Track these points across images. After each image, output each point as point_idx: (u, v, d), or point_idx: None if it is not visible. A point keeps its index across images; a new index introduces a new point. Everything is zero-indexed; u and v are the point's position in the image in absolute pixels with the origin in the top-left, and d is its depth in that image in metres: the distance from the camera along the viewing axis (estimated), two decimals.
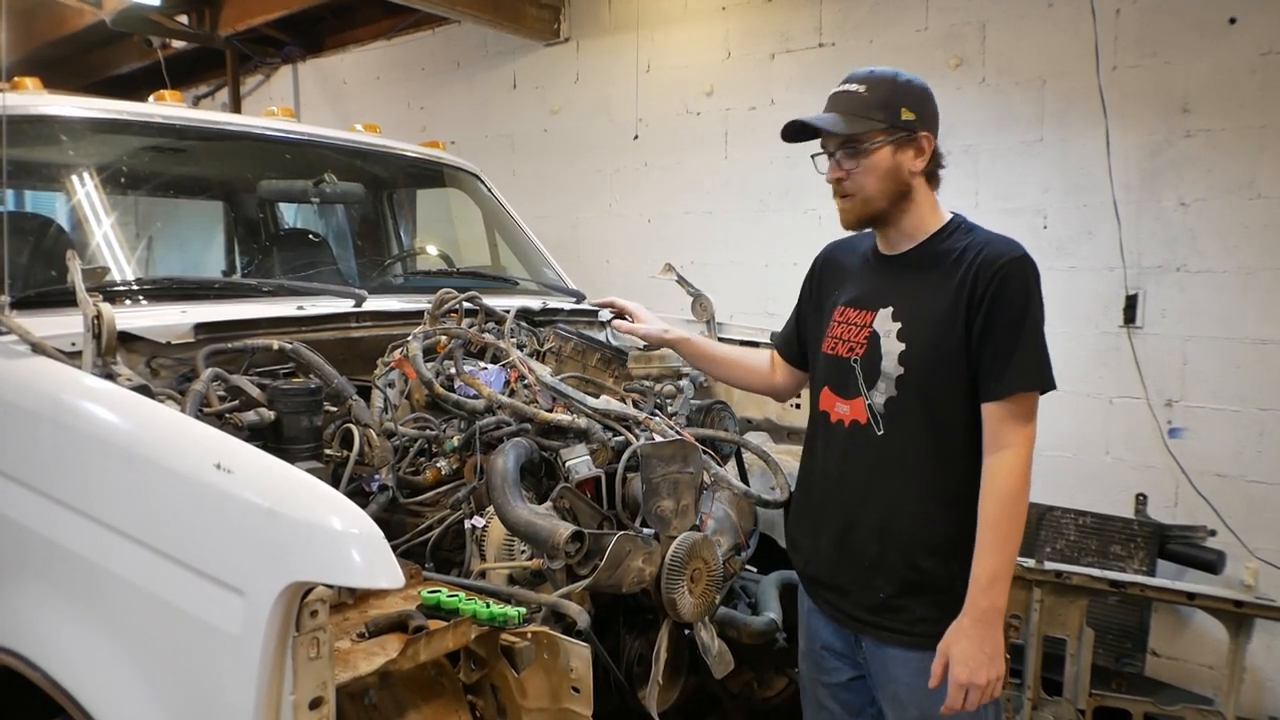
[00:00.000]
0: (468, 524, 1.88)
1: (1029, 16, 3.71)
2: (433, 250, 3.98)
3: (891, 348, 1.70)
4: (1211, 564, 2.25)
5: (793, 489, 2.12)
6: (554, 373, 2.22)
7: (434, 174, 3.85)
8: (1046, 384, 1.65)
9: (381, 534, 1.08)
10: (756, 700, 2.53)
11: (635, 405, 2.22)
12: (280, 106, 3.14)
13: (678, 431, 2.10)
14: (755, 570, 2.59)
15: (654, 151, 4.83)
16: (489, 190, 3.78)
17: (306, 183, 3.08)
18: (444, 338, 2.17)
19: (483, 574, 1.81)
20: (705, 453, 2.17)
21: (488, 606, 1.48)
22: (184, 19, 6.64)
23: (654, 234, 4.83)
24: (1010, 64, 3.76)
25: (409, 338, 2.10)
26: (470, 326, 2.28)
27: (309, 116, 7.08)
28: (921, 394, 1.68)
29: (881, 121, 1.66)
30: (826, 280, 1.94)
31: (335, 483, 1.94)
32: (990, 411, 1.64)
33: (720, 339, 3.18)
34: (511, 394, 2.08)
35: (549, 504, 1.89)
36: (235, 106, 7.04)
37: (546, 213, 5.29)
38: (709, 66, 4.58)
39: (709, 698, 2.45)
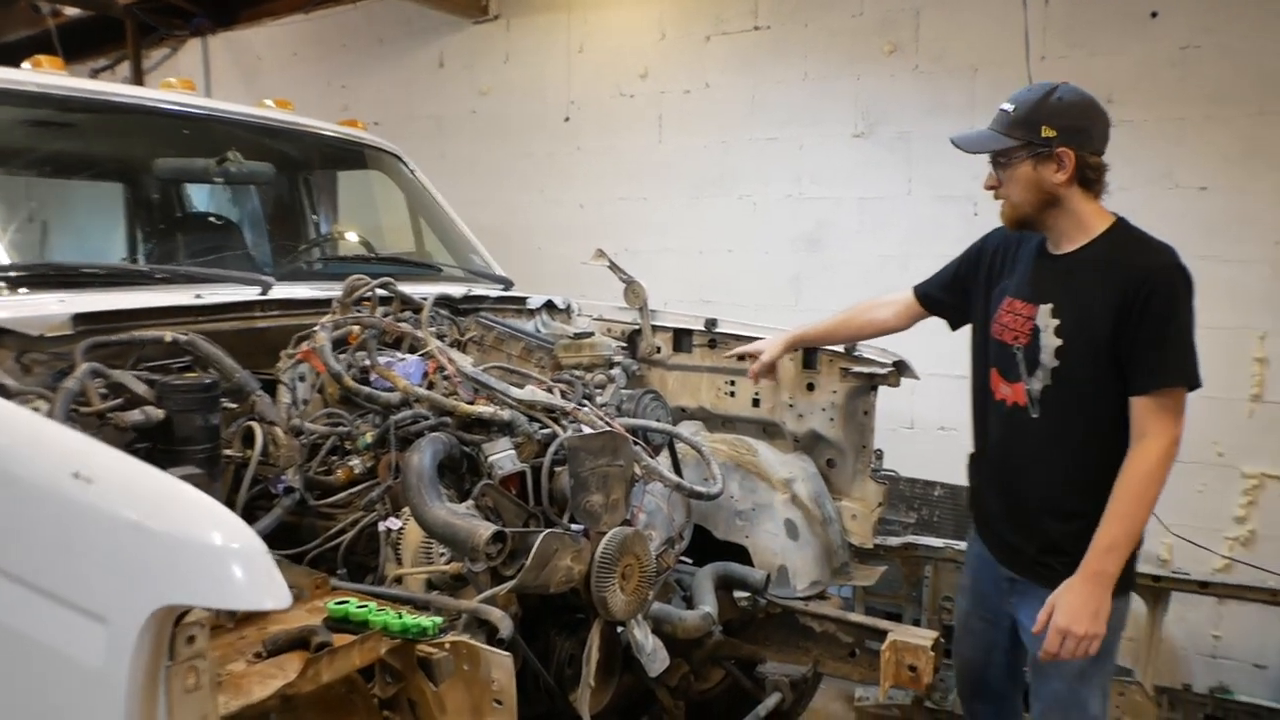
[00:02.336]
0: (382, 526, 1.76)
1: (962, 5, 3.72)
2: (352, 236, 3.79)
3: (1049, 341, 1.90)
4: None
5: (719, 484, 2.06)
6: (476, 363, 2.11)
7: (354, 155, 3.66)
8: (1193, 381, 1.82)
9: (265, 549, 0.96)
10: (694, 693, 2.47)
11: (563, 396, 2.11)
12: (179, 78, 2.91)
13: (607, 422, 2.01)
14: (691, 562, 2.52)
15: (586, 135, 4.71)
16: (412, 172, 3.62)
17: (209, 161, 2.88)
18: (356, 327, 2.04)
19: (399, 580, 1.69)
20: (636, 444, 2.08)
21: (400, 617, 1.37)
22: None
23: (586, 220, 4.72)
24: (943, 52, 3.75)
25: (316, 327, 1.96)
26: (385, 315, 2.14)
27: (221, 94, 6.74)
28: (1073, 386, 1.88)
29: (1019, 140, 1.87)
30: (998, 264, 2.13)
31: (236, 485, 1.81)
32: (1138, 404, 1.82)
33: (655, 327, 3.12)
34: (430, 386, 1.96)
35: (470, 502, 1.78)
36: (137, 82, 6.64)
37: (476, 198, 5.12)
38: (643, 48, 4.48)
39: (645, 694, 2.37)
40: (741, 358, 2.65)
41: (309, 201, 3.88)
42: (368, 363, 2.02)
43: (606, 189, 4.65)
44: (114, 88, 2.75)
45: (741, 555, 2.52)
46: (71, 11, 6.54)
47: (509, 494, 1.84)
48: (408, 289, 2.65)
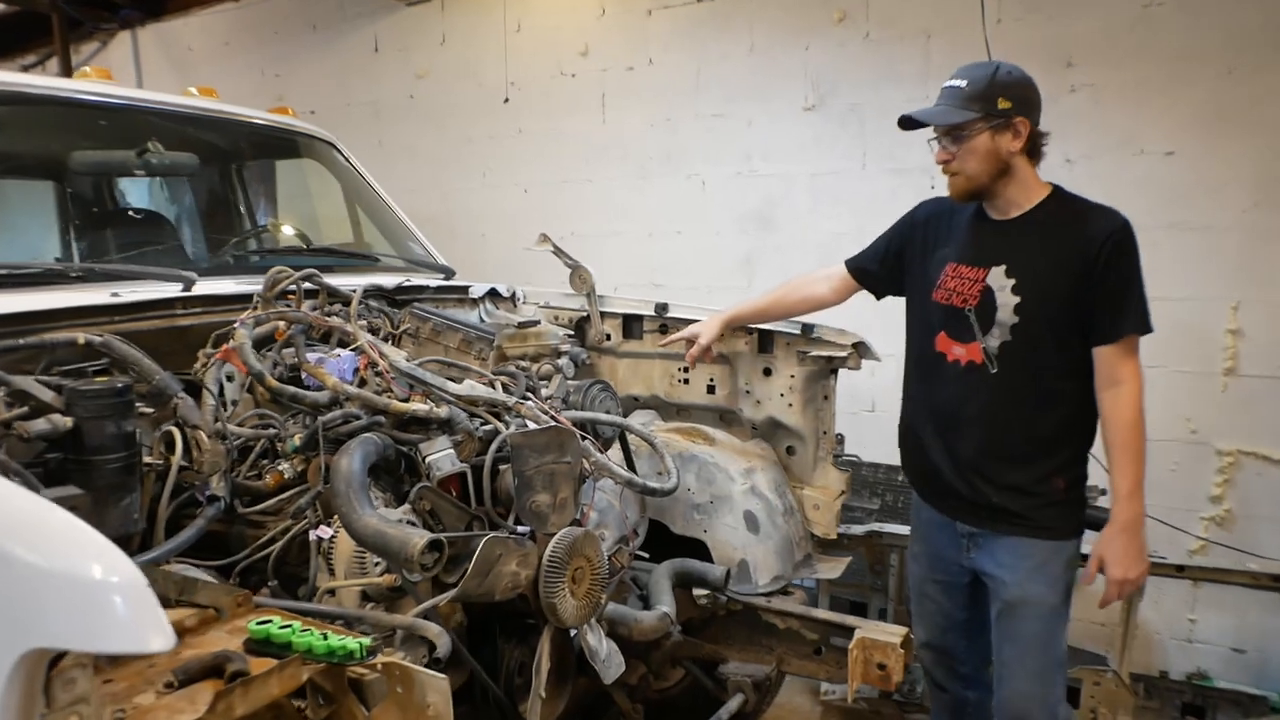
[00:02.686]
0: (312, 535, 1.64)
1: None
2: (288, 229, 3.62)
3: (1006, 300, 2.00)
4: (1100, 523, 2.27)
5: (674, 478, 1.96)
6: (411, 357, 1.98)
7: (288, 144, 3.49)
8: (1148, 327, 1.95)
9: (147, 582, 0.84)
10: (653, 695, 2.38)
11: (505, 389, 2.00)
12: (94, 67, 2.72)
13: (553, 417, 1.90)
14: (647, 558, 2.43)
15: (528, 117, 4.57)
16: (346, 160, 3.46)
17: (128, 154, 2.69)
18: (281, 323, 1.90)
19: (331, 593, 1.57)
20: (584, 439, 1.98)
21: (326, 638, 1.25)
22: None
23: (531, 205, 4.59)
24: (894, 18, 3.67)
25: (236, 324, 1.82)
26: (313, 309, 2.00)
27: (152, 87, 6.45)
28: (1033, 339, 1.99)
29: (978, 111, 1.95)
30: (931, 234, 2.22)
31: (158, 495, 1.68)
32: (1104, 354, 1.95)
33: (604, 313, 3.01)
34: (362, 384, 1.83)
35: (407, 506, 1.67)
36: (65, 68, 6.32)
37: (416, 185, 4.96)
38: (583, 25, 4.35)
39: (601, 696, 2.28)
40: (690, 344, 2.60)
41: (242, 193, 3.69)
42: (298, 360, 1.89)
43: (550, 171, 4.51)
44: (27, 79, 2.54)
45: (701, 550, 2.44)
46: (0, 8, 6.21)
47: (448, 496, 1.73)
48: (343, 281, 2.52)
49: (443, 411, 1.78)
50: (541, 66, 4.48)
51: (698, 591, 2.33)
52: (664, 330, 2.92)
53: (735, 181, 4.01)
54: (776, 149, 3.89)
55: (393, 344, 2.04)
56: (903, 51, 3.65)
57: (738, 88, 3.97)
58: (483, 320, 3.08)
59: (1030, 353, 2.01)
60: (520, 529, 1.76)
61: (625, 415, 3.09)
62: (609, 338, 3.05)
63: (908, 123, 2.05)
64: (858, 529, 3.13)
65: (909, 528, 3.29)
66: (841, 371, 2.65)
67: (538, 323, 2.75)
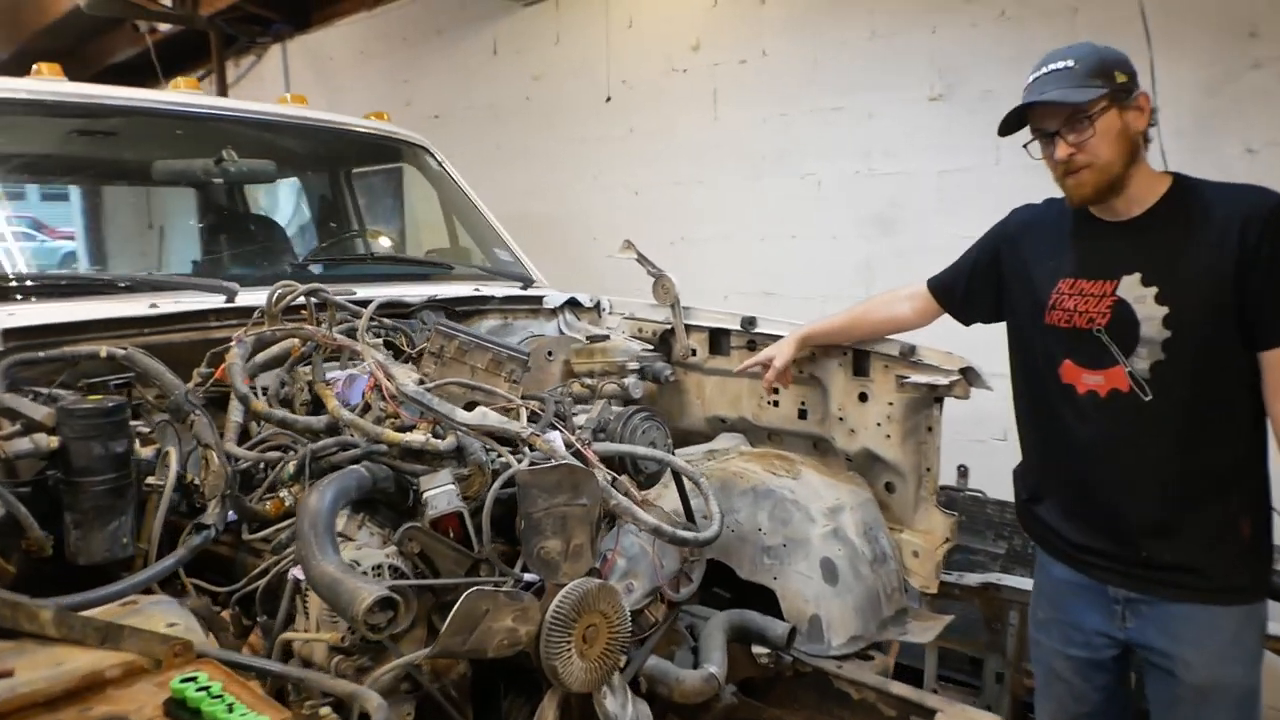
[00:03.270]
0: (291, 575, 1.48)
1: None
2: (385, 240, 3.59)
3: (1151, 312, 1.70)
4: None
5: (716, 526, 1.68)
6: (431, 378, 1.81)
7: (386, 150, 3.45)
8: None
9: None
10: None
11: (533, 416, 1.79)
12: (185, 79, 2.74)
13: (577, 450, 1.68)
14: (726, 595, 2.17)
15: (638, 115, 4.37)
16: (440, 164, 3.37)
17: (206, 162, 2.70)
18: (295, 340, 1.77)
19: (288, 645, 1.41)
20: (617, 476, 1.74)
21: (232, 709, 1.08)
22: (165, 0, 6.35)
23: (641, 207, 4.38)
24: None
25: (232, 341, 1.70)
26: (321, 326, 1.86)
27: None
28: (1193, 354, 1.68)
29: (1102, 87, 1.67)
30: (1030, 247, 1.92)
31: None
32: (1274, 359, 1.64)
33: (689, 326, 2.76)
34: (366, 408, 1.67)
35: (392, 549, 1.49)
36: (221, 91, 6.73)
37: (532, 188, 4.88)
38: (694, 17, 4.09)
39: None
40: (766, 369, 2.36)
41: (350, 199, 3.70)
42: (314, 380, 1.75)
43: (661, 172, 4.29)
44: (113, 91, 2.58)
45: (773, 599, 2.14)
46: (165, 27, 6.67)
47: (442, 538, 1.53)
48: (408, 291, 2.40)
49: (445, 442, 1.59)
50: (652, 63, 4.27)
51: (759, 649, 2.03)
52: (752, 347, 2.64)
53: (854, 181, 3.64)
54: (899, 144, 3.49)
55: (412, 364, 1.87)
56: (1044, 30, 3.15)
57: (857, 78, 3.60)
58: (561, 332, 2.90)
59: (1192, 370, 1.69)
60: (529, 577, 1.55)
61: (710, 438, 2.83)
62: (694, 353, 2.80)
63: (1007, 126, 1.79)
64: (973, 578, 2.72)
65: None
66: (950, 400, 2.28)
67: (607, 337, 2.53)
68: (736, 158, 3.99)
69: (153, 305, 2.02)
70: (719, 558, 2.19)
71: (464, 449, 1.63)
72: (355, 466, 1.54)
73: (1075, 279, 1.81)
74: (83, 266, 4.53)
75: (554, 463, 1.57)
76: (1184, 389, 1.70)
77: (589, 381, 2.45)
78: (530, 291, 2.77)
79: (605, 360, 2.45)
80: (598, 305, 3.01)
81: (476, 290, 2.59)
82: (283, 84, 6.70)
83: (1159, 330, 1.69)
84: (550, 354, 2.56)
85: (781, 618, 2.08)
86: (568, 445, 1.73)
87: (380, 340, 1.82)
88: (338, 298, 1.84)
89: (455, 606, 1.36)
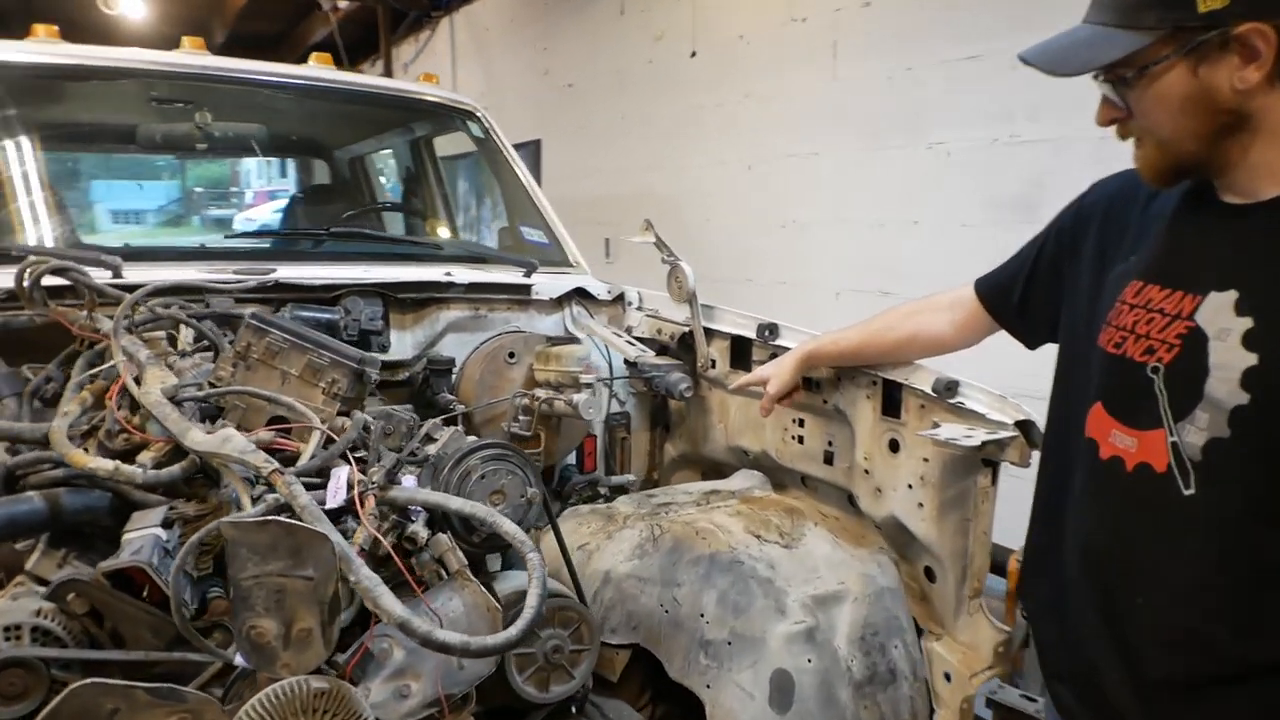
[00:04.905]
0: None
1: None
2: (414, 219, 3.27)
3: (1230, 358, 1.05)
4: None
5: (518, 629, 1.15)
6: (228, 384, 1.41)
7: (441, 116, 3.12)
8: None
9: None
10: None
11: (359, 444, 1.34)
12: (190, 39, 2.54)
13: (363, 494, 1.22)
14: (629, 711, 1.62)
15: (756, 76, 3.74)
16: (490, 131, 2.98)
17: (189, 125, 2.48)
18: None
19: None
20: (426, 538, 1.27)
21: None
22: None
23: (754, 183, 3.76)
24: None
25: None
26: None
27: (462, 67, 6.70)
28: (1275, 442, 1.03)
29: (1158, 26, 1.06)
30: (1112, 231, 1.29)
31: None
32: None
33: (708, 330, 2.19)
34: (94, 422, 1.31)
35: (49, 606, 1.13)
36: (387, 64, 6.81)
37: (651, 161, 4.40)
38: None
39: None
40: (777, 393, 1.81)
41: (433, 170, 3.44)
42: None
43: (775, 143, 3.64)
44: (110, 52, 2.42)
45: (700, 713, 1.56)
46: (344, 5, 6.86)
47: (121, 596, 1.15)
48: (345, 272, 2.04)
49: (159, 471, 1.20)
50: (773, 12, 3.61)
51: None
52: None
53: (990, 152, 2.82)
54: (1049, 103, 2.61)
55: (196, 361, 1.47)
56: None
57: (999, 17, 2.75)
58: (565, 330, 2.42)
59: (1267, 468, 1.03)
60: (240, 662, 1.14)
61: (718, 475, 2.25)
62: (714, 364, 2.22)
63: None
64: (1035, 705, 1.96)
65: None
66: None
67: (575, 341, 2.03)
68: (855, 124, 3.26)
69: None
70: (646, 645, 1.64)
71: (215, 481, 1.23)
72: (30, 494, 1.18)
73: (1145, 283, 1.16)
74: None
75: (265, 516, 1.12)
76: (1245, 491, 1.05)
77: (541, 394, 1.96)
78: (503, 278, 2.29)
79: (559, 370, 1.95)
80: (620, 298, 2.49)
81: (447, 275, 2.16)
82: (449, 58, 6.67)
83: (1234, 391, 1.03)
84: (512, 356, 2.09)
85: None
86: (350, 486, 1.27)
87: (163, 335, 1.45)
88: (98, 280, 1.48)
89: (56, 700, 0.97)
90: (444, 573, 1.31)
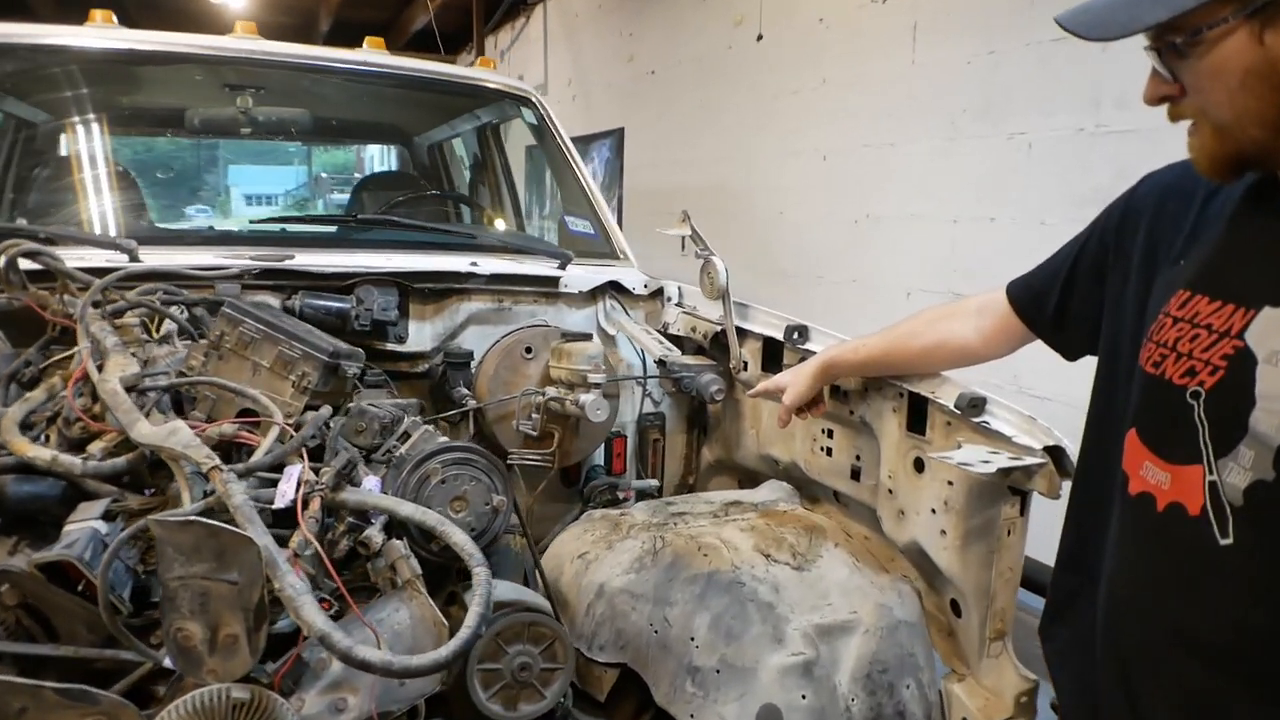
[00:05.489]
0: None
1: None
2: (487, 205, 3.24)
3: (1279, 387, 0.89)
4: None
5: (448, 650, 1.07)
6: (198, 374, 1.38)
7: (485, 102, 3.07)
8: None
9: None
10: None
11: (312, 444, 1.29)
12: (242, 23, 2.56)
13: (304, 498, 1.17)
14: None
15: (833, 61, 3.54)
16: (545, 117, 2.92)
17: (234, 109, 2.50)
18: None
19: None
20: (380, 543, 1.21)
21: None
22: None
23: (829, 175, 3.57)
24: None
25: None
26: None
27: (554, 58, 6.67)
28: None
29: None
30: (1165, 230, 1.11)
31: None
32: None
33: (740, 330, 2.07)
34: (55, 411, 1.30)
35: None
36: (479, 51, 6.85)
37: (725, 153, 4.26)
38: None
39: None
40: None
41: (500, 158, 3.42)
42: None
43: (850, 133, 3.44)
44: (163, 37, 2.46)
45: None
46: None
47: (61, 592, 1.13)
48: (367, 261, 2.02)
49: (80, 463, 1.18)
50: None
51: None
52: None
53: (1075, 143, 2.56)
54: (1138, 89, 2.35)
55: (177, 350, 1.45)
56: None
57: None
58: (599, 325, 2.33)
59: None
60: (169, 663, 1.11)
61: (753, 483, 2.11)
62: (745, 366, 2.09)
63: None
64: None
65: None
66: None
67: (588, 337, 1.94)
68: (932, 111, 3.04)
69: None
70: (633, 666, 1.54)
71: (130, 471, 1.21)
72: None
73: (1193, 293, 0.99)
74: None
75: (189, 516, 1.07)
76: None
77: (554, 394, 1.88)
78: (530, 269, 2.21)
79: (570, 368, 1.86)
80: (659, 293, 2.38)
81: (473, 265, 2.11)
82: (542, 44, 6.66)
83: None
84: (529, 351, 2.02)
85: None
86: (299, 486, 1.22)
87: (138, 322, 1.43)
88: (66, 264, 1.46)
89: None
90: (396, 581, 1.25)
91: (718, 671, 1.46)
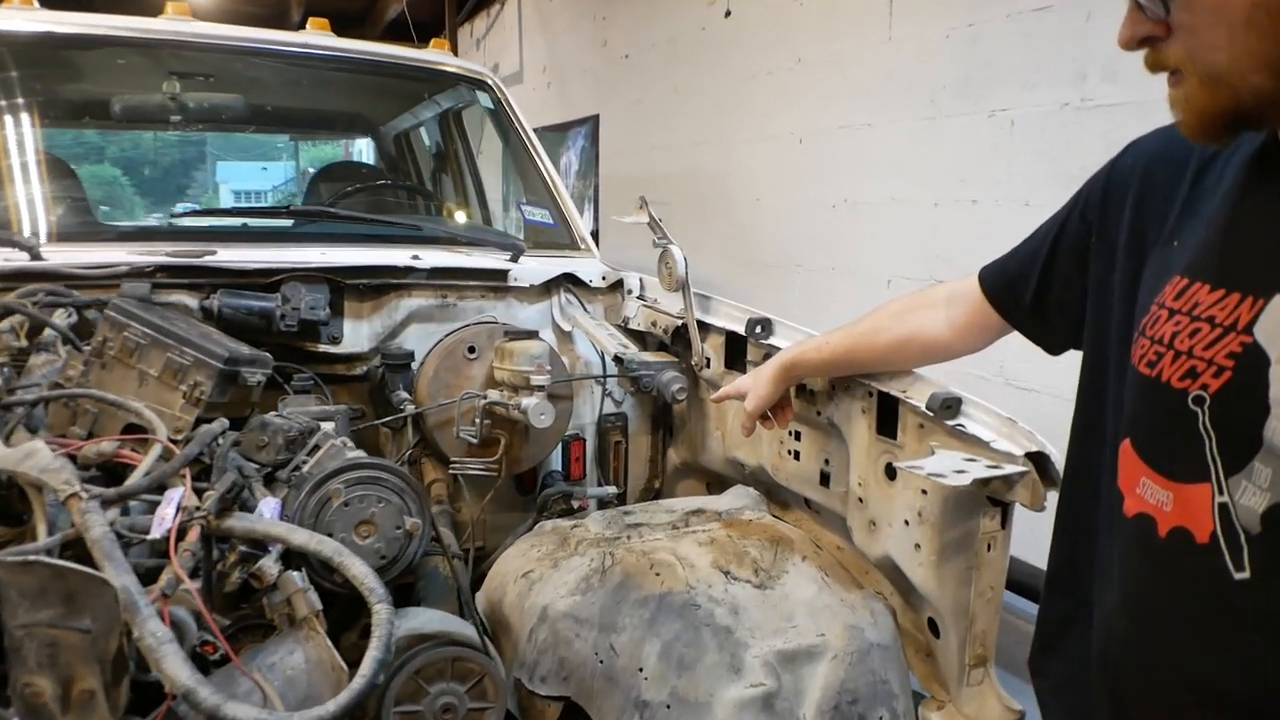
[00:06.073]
0: None
1: None
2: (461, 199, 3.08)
3: None
4: None
5: (339, 704, 0.92)
6: (78, 384, 1.23)
7: (439, 86, 2.91)
8: None
9: None
10: None
11: (198, 465, 1.14)
12: (173, 4, 2.39)
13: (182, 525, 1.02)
14: None
15: (809, 40, 3.38)
16: (503, 100, 2.76)
17: (163, 97, 2.34)
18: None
19: None
20: (276, 576, 1.06)
21: None
22: None
23: (806, 159, 3.42)
24: None
25: None
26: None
27: (529, 45, 6.50)
28: None
29: None
30: (1148, 206, 0.96)
31: None
32: None
33: (701, 324, 1.92)
34: None
35: None
36: (452, 40, 6.66)
37: (702, 137, 4.10)
38: None
39: None
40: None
41: (463, 146, 3.26)
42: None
43: (827, 113, 3.28)
44: (103, 20, 2.30)
45: None
46: None
47: None
48: (301, 255, 1.87)
49: None
50: None
51: None
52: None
53: (1059, 118, 2.41)
54: (1131, 60, 2.20)
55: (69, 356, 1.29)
56: None
57: None
58: (553, 320, 2.18)
59: None
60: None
61: (721, 488, 1.97)
62: (708, 363, 1.95)
63: None
64: None
65: None
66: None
67: (532, 334, 1.78)
68: (911, 89, 2.89)
69: None
70: (577, 700, 1.40)
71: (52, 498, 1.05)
72: None
73: (1190, 280, 0.84)
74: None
75: (30, 556, 0.92)
76: None
77: (497, 397, 1.73)
78: (477, 263, 2.06)
79: (511, 368, 1.71)
80: (619, 285, 2.23)
81: (414, 259, 1.95)
82: (517, 32, 6.48)
83: None
84: (472, 351, 1.87)
85: None
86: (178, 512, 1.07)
87: (8, 328, 1.27)
88: None
89: None
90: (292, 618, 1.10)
91: (668, 707, 1.32)
